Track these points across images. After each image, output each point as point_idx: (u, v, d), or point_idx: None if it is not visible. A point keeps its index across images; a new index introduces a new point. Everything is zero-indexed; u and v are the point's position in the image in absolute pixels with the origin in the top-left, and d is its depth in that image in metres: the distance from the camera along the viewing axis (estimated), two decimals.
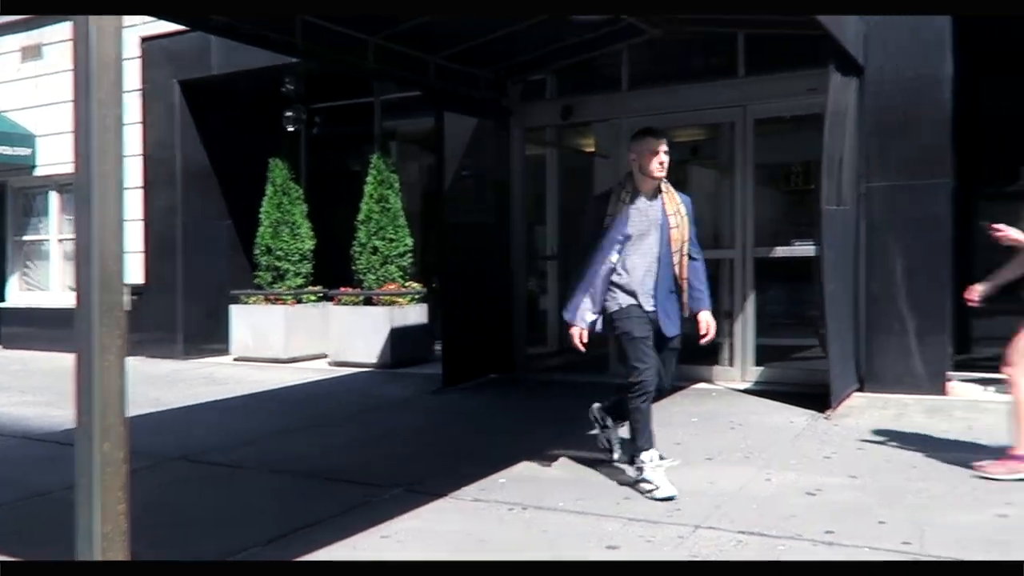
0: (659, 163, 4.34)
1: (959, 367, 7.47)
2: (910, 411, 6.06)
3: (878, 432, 5.54)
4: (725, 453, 5.19)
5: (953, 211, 6.85)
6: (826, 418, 5.95)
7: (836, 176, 6.27)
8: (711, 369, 7.79)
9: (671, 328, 4.47)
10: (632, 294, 4.41)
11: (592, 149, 10.45)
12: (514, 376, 8.46)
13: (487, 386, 8.08)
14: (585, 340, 4.40)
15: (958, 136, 6.93)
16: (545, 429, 6.06)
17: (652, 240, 4.40)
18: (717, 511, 4.08)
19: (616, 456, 4.91)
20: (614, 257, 4.37)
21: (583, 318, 4.40)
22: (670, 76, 8.20)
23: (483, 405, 7.34)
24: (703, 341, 4.60)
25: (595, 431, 5.02)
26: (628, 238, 4.37)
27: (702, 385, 7.61)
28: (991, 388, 6.90)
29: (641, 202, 4.40)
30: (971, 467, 4.59)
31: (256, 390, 8.14)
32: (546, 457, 5.18)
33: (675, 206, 4.45)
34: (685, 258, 4.48)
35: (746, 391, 7.20)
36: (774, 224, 8.23)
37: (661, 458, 4.41)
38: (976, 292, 4.67)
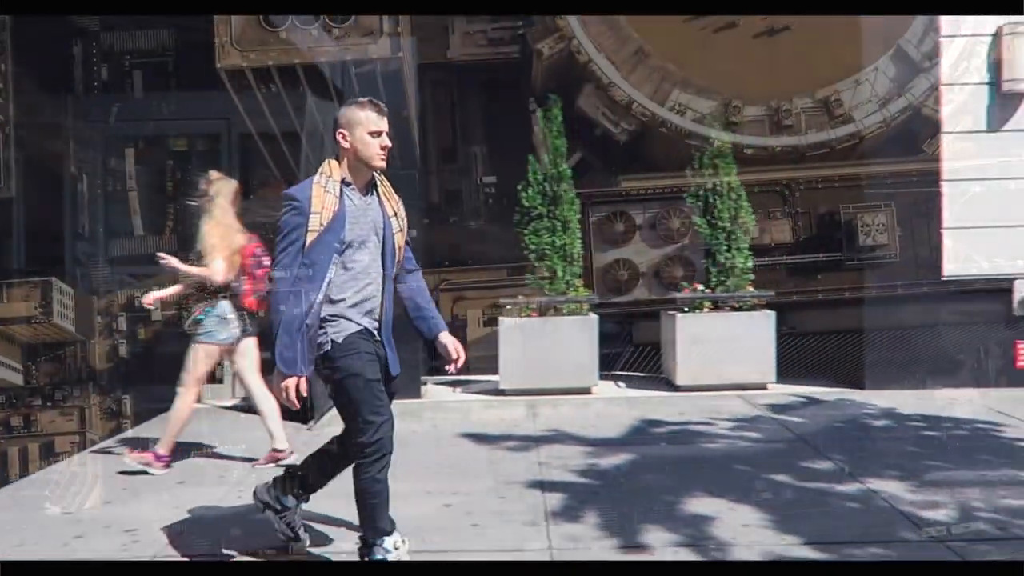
0: (381, 147, 3.36)
1: (434, 372, 8.22)
2: None
3: None
4: (198, 476, 5.00)
5: None
6: (308, 429, 6.09)
7: None
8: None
9: (397, 363, 3.51)
10: (355, 320, 3.35)
11: None
12: None
13: None
14: (304, 392, 3.22)
15: None
16: None
17: (373, 248, 3.40)
18: (180, 537, 3.90)
19: (306, 541, 3.72)
20: (332, 272, 3.29)
21: (304, 363, 3.22)
22: None
23: None
24: (454, 368, 3.62)
25: (266, 515, 3.68)
26: (346, 246, 3.32)
27: None
28: (459, 389, 7.72)
29: (356, 198, 3.38)
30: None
31: None
32: None
33: (394, 204, 3.49)
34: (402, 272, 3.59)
35: (234, 408, 7.06)
36: None
37: (403, 540, 3.46)
38: (151, 298, 5.12)
